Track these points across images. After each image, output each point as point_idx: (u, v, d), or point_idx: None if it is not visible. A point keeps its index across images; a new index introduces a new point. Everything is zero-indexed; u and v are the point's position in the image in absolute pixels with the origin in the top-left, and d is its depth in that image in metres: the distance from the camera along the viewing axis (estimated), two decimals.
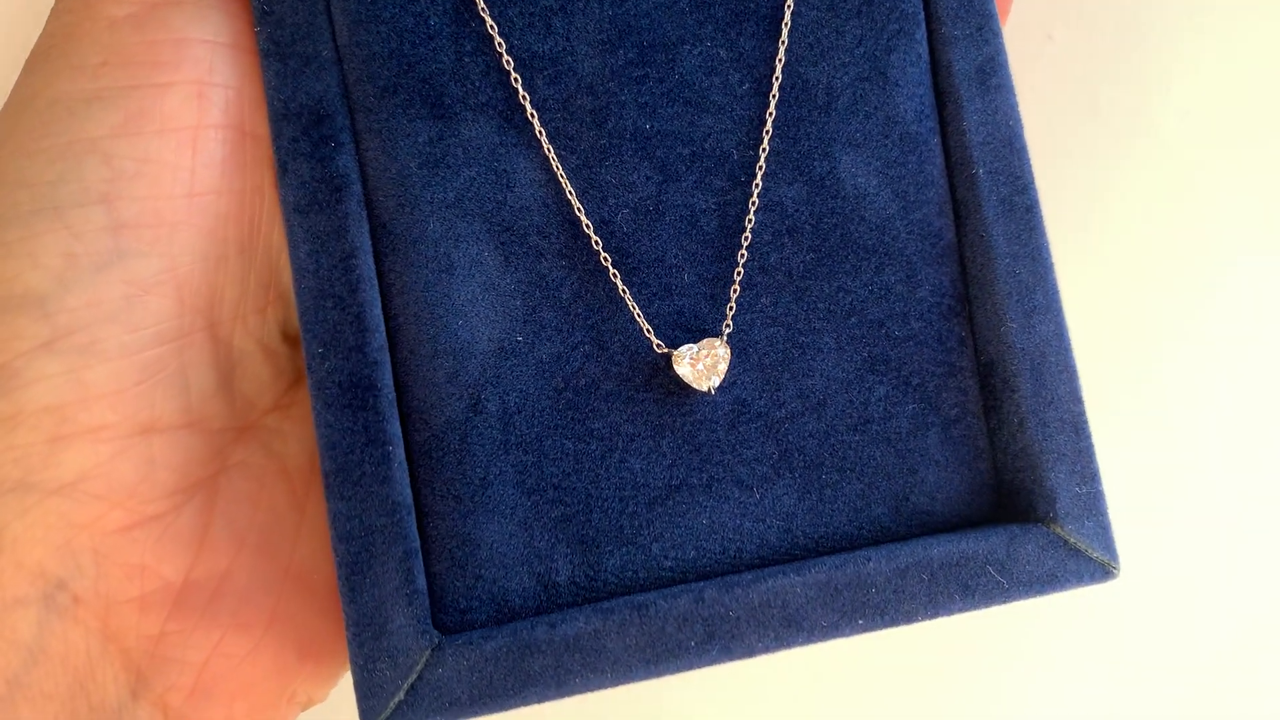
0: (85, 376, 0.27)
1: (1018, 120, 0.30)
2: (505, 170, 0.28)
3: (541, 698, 0.27)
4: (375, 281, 0.28)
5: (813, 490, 0.29)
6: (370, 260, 0.28)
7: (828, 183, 0.29)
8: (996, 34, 0.30)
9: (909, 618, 0.28)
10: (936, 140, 0.30)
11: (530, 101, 0.28)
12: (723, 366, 0.28)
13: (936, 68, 0.30)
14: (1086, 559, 0.29)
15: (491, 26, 0.28)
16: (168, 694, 0.29)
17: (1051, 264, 0.30)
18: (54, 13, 0.28)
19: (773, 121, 0.29)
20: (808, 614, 0.28)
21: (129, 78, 0.27)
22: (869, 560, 0.28)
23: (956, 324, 0.30)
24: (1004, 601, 0.28)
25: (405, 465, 0.27)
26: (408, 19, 0.28)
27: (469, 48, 0.28)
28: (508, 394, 0.28)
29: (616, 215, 0.29)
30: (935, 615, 0.28)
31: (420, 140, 0.28)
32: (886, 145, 0.30)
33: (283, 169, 0.27)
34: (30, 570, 0.27)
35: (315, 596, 0.30)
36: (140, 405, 0.28)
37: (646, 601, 0.27)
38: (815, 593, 0.28)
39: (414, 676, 0.26)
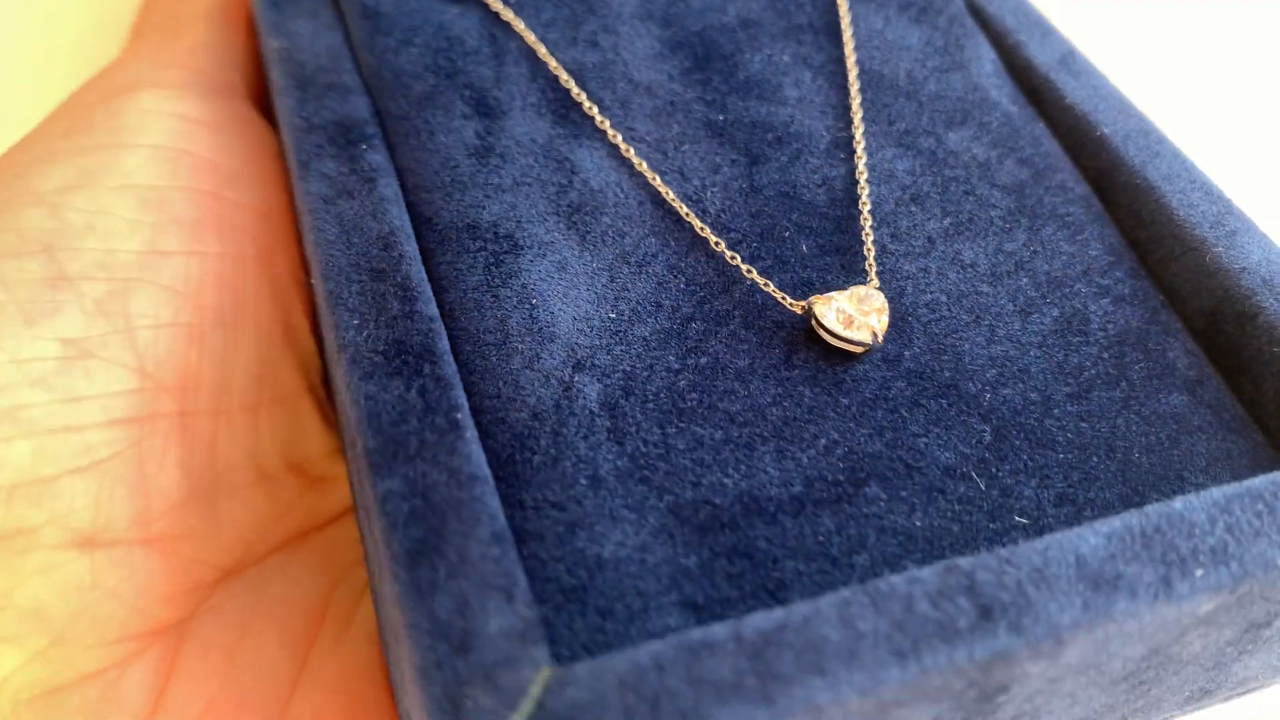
0: (2, 453, 0.19)
1: (1123, 96, 0.27)
2: (567, 159, 0.24)
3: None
4: (421, 267, 0.22)
5: (1055, 474, 0.21)
6: (414, 246, 0.22)
7: (940, 154, 0.25)
8: (1064, 41, 0.28)
9: (1264, 563, 0.18)
10: (1042, 126, 0.27)
11: (587, 97, 0.25)
12: (884, 314, 0.22)
13: (1015, 69, 0.28)
14: None
15: (535, 42, 0.26)
16: None
17: (1229, 198, 0.25)
18: None
19: (859, 104, 0.26)
20: (1117, 567, 0.18)
21: (89, 140, 0.24)
22: (1173, 501, 0.19)
23: (1147, 284, 0.24)
24: None
25: (480, 445, 0.19)
26: (441, 40, 0.26)
27: (510, 59, 0.25)
28: (609, 376, 0.21)
29: (705, 193, 0.24)
30: None
31: (467, 135, 0.24)
32: (991, 125, 0.26)
33: (304, 168, 0.23)
34: None
35: None
36: (76, 503, 0.20)
37: (874, 583, 0.18)
38: (1116, 544, 0.18)
39: (531, 706, 0.16)
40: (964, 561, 0.18)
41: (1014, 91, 0.27)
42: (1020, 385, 0.22)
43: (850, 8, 0.28)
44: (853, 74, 0.26)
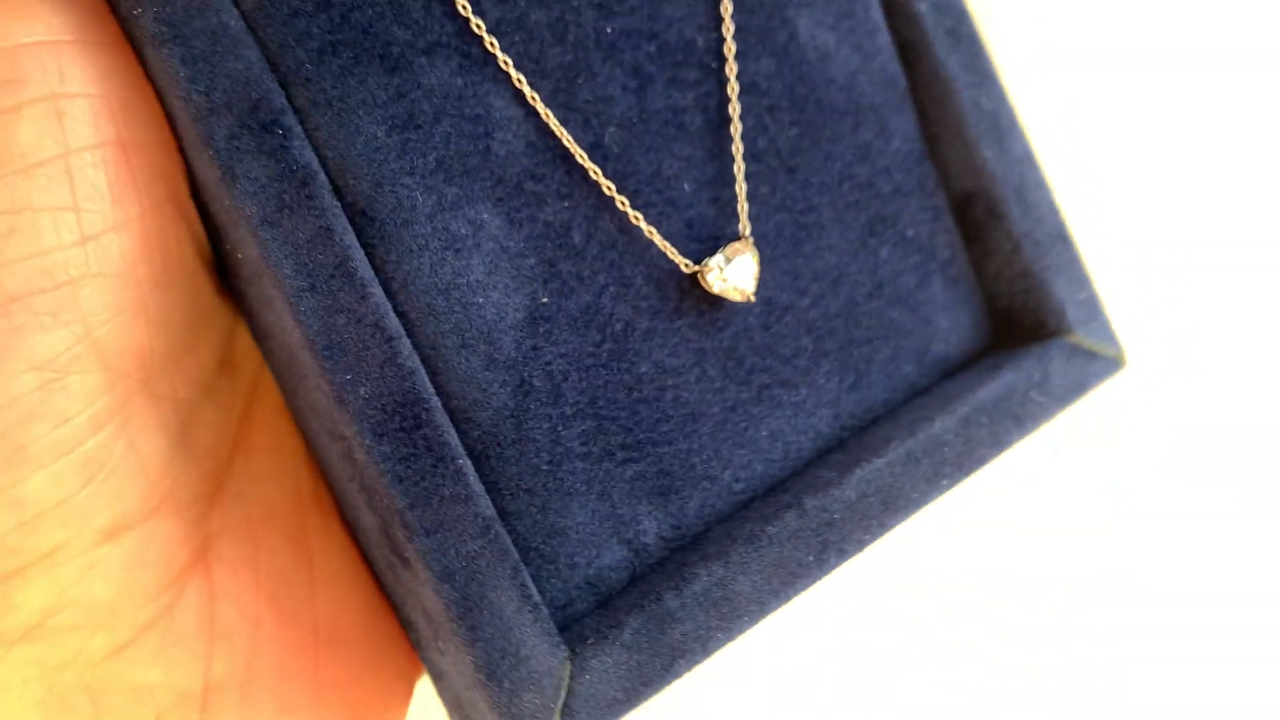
0: (22, 493, 0.21)
1: None
2: (479, 115, 0.24)
3: (690, 665, 0.25)
4: (377, 281, 0.23)
5: (850, 368, 0.29)
6: (364, 257, 0.23)
7: (791, 50, 0.28)
8: None
9: (981, 462, 0.28)
10: None
11: (485, 29, 0.24)
12: (755, 268, 0.27)
13: None
14: (1102, 359, 0.30)
15: None
16: None
17: (1004, 86, 0.30)
18: None
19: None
20: (900, 491, 0.27)
21: None
22: (934, 421, 0.28)
23: (928, 167, 0.30)
24: (1047, 421, 0.29)
25: (478, 476, 0.24)
26: None
27: None
28: (551, 363, 0.25)
29: (604, 136, 0.26)
30: (999, 452, 0.28)
31: (380, 101, 0.23)
32: None
33: (230, 176, 0.22)
34: None
35: (353, 650, 0.26)
36: (96, 507, 0.22)
37: (754, 531, 0.26)
38: (900, 469, 0.27)
39: (563, 695, 0.24)
40: (808, 501, 0.26)
41: None
42: (833, 295, 0.28)
43: None
44: None
